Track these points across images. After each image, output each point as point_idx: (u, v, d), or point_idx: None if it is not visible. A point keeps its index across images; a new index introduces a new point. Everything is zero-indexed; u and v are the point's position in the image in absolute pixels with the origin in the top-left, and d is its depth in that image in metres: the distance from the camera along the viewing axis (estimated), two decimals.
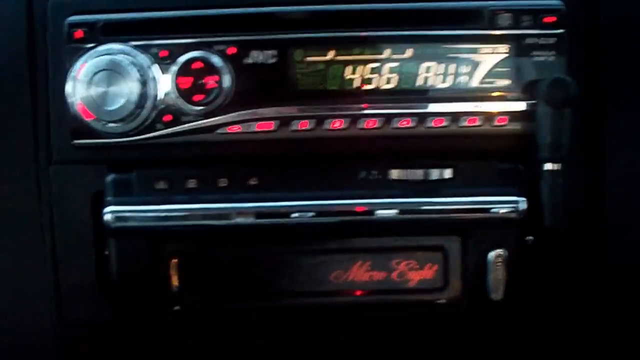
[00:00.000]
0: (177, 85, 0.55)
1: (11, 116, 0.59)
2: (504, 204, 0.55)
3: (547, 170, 0.54)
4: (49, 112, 0.58)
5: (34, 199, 0.59)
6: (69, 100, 0.56)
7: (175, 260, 0.57)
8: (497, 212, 0.55)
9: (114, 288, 0.57)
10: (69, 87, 0.55)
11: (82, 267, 0.59)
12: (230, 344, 0.59)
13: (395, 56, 0.56)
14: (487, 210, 0.55)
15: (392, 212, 0.55)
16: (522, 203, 0.55)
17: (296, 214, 0.55)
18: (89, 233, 0.58)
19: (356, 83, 0.56)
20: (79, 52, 0.56)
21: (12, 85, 0.58)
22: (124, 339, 0.61)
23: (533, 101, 0.56)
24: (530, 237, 0.57)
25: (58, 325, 0.60)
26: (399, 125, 0.56)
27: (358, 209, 0.55)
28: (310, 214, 0.55)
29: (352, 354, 0.53)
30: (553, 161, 0.54)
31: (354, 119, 0.56)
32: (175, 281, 0.57)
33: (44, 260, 0.60)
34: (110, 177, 0.57)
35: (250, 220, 0.55)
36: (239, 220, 0.55)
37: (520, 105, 0.56)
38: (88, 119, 0.56)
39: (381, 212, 0.55)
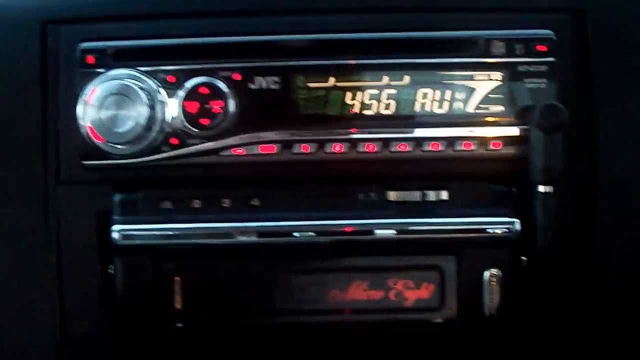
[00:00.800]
0: (184, 109, 0.58)
1: (22, 138, 0.61)
2: (499, 225, 0.57)
3: (540, 192, 0.57)
4: (58, 135, 0.60)
5: (42, 218, 0.61)
6: (80, 122, 0.58)
7: (178, 278, 0.58)
8: (492, 233, 0.57)
9: (118, 305, 0.59)
10: (79, 110, 0.58)
11: (86, 284, 0.61)
12: None
13: (393, 83, 0.59)
14: (482, 231, 0.57)
15: (390, 232, 0.57)
16: (516, 224, 0.57)
17: (297, 234, 0.56)
18: (94, 251, 0.60)
19: (355, 108, 0.59)
20: (91, 76, 0.58)
21: (24, 108, 0.61)
22: (126, 356, 0.62)
23: (526, 126, 0.58)
24: (524, 258, 0.59)
25: (61, 342, 0.61)
26: (396, 149, 0.58)
27: (357, 229, 0.57)
28: (311, 233, 0.56)
29: None
30: (545, 184, 0.56)
31: (353, 143, 0.58)
32: (178, 298, 0.59)
33: (49, 277, 0.61)
34: (117, 197, 0.59)
35: (252, 238, 0.57)
36: (241, 238, 0.57)
37: (514, 130, 0.58)
38: (97, 141, 0.58)
39: (380, 232, 0.57)
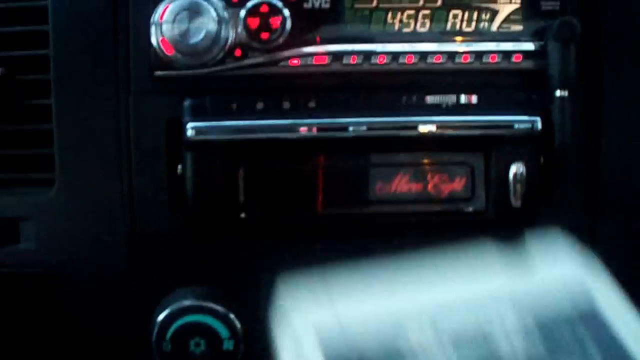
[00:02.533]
0: (246, 25, 0.65)
1: (96, 53, 0.68)
2: (524, 122, 0.66)
3: (558, 97, 0.66)
4: (128, 49, 0.67)
5: (113, 126, 0.68)
6: (152, 36, 0.65)
7: (242, 171, 0.65)
8: (518, 128, 0.66)
9: (188, 199, 0.66)
10: (152, 25, 0.65)
11: (155, 185, 0.68)
12: (290, 248, 0.67)
13: (428, 4, 0.67)
14: (510, 127, 0.66)
15: (431, 127, 0.65)
16: (538, 122, 0.66)
17: (351, 128, 0.65)
18: (162, 154, 0.67)
19: (396, 26, 0.67)
20: None
21: (96, 26, 0.68)
22: (191, 249, 0.69)
23: (542, 42, 0.67)
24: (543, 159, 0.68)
25: (131, 238, 0.68)
26: (432, 60, 0.67)
27: (403, 124, 0.65)
28: (363, 127, 0.65)
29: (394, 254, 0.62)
30: (562, 88, 0.66)
31: (395, 55, 0.67)
32: (242, 191, 0.66)
33: (120, 180, 0.68)
34: (188, 102, 0.66)
35: (311, 133, 0.65)
36: (302, 132, 0.64)
37: (532, 46, 0.67)
38: (168, 53, 0.65)
39: (422, 127, 0.65)
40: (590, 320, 0.42)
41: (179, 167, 0.67)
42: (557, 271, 0.44)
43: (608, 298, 0.43)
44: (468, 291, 0.43)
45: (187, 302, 0.67)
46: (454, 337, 0.41)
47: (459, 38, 0.67)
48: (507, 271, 0.44)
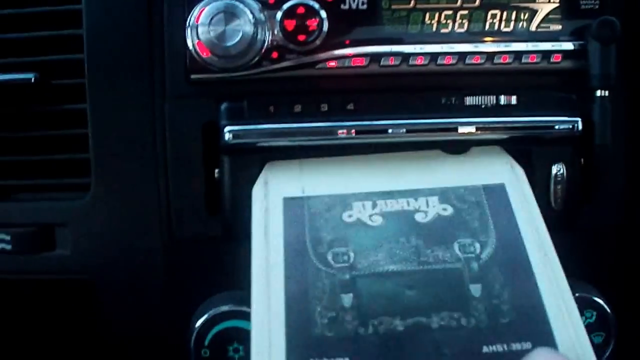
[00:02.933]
0: (283, 27, 0.65)
1: (131, 57, 0.67)
2: (565, 123, 0.65)
3: (598, 97, 0.65)
4: (163, 52, 0.66)
5: (149, 131, 0.67)
6: (188, 39, 0.64)
7: None
8: (559, 129, 0.65)
9: (225, 204, 0.65)
10: (188, 27, 0.64)
11: (192, 189, 0.67)
12: None
13: (466, 5, 0.67)
14: (550, 127, 0.65)
15: (471, 129, 0.65)
16: (579, 123, 0.65)
17: (390, 130, 0.64)
18: (199, 158, 0.66)
19: (434, 27, 0.67)
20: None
21: (131, 30, 0.67)
22: (228, 253, 0.68)
23: (582, 42, 0.66)
24: (583, 159, 0.67)
25: (168, 243, 0.68)
26: (471, 61, 0.66)
27: (443, 126, 0.64)
28: (403, 129, 0.64)
29: None
30: (602, 88, 0.65)
31: (434, 56, 0.66)
32: None
33: (156, 185, 0.67)
34: (224, 105, 0.65)
35: (351, 135, 0.64)
36: (341, 135, 0.64)
37: (571, 45, 0.67)
38: (204, 56, 0.64)
39: (462, 129, 0.64)
40: (493, 193, 0.59)
41: (216, 171, 0.66)
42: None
43: (517, 190, 0.60)
44: (410, 183, 0.61)
45: (225, 308, 0.67)
46: (386, 213, 0.58)
47: (497, 38, 0.67)
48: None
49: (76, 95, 0.68)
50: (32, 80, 0.67)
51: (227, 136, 0.64)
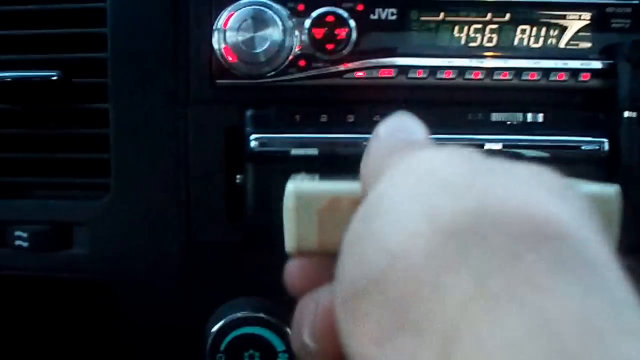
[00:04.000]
0: (311, 35, 0.64)
1: (155, 58, 0.66)
2: (591, 143, 0.65)
3: (626, 117, 0.64)
4: (188, 55, 0.66)
5: (172, 135, 0.66)
6: (214, 44, 0.64)
7: None
8: (585, 149, 0.65)
9: (248, 210, 0.65)
10: (215, 31, 0.63)
11: (213, 193, 0.67)
12: None
13: (495, 19, 0.66)
14: (577, 147, 0.65)
15: (496, 146, 0.64)
16: (606, 143, 0.65)
17: None
18: (221, 163, 0.66)
19: (463, 41, 0.66)
20: (224, 3, 0.64)
21: (155, 31, 0.66)
22: (248, 260, 0.68)
23: (611, 61, 0.66)
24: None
25: (186, 246, 0.67)
26: (499, 77, 0.66)
27: (469, 143, 0.64)
28: None
29: None
30: (631, 109, 0.64)
31: (462, 70, 0.65)
32: None
33: (177, 186, 0.67)
34: (250, 112, 0.65)
35: None
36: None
37: (601, 64, 0.66)
38: (231, 62, 0.64)
39: (487, 145, 0.64)
40: None
41: (238, 176, 0.66)
42: None
43: None
44: None
45: (242, 314, 0.67)
46: None
47: (526, 54, 0.66)
48: None
49: (97, 95, 0.67)
50: (55, 78, 0.65)
51: (253, 144, 0.63)
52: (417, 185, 0.28)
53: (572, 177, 0.63)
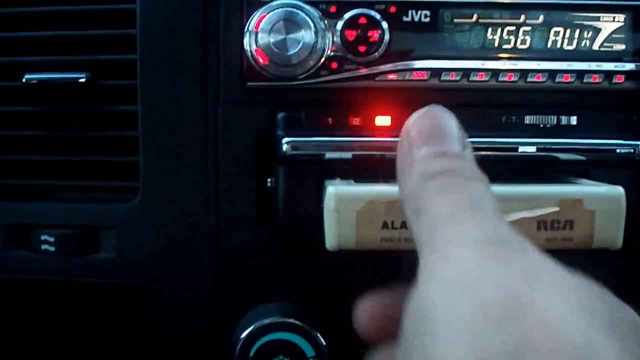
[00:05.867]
0: (343, 37, 0.63)
1: (185, 60, 0.66)
2: (625, 146, 0.64)
3: None
4: (218, 57, 0.65)
5: (202, 136, 0.66)
6: (245, 46, 0.63)
7: None
8: (620, 152, 0.64)
9: (279, 214, 0.64)
10: (246, 33, 0.63)
11: (242, 197, 0.66)
12: (379, 268, 0.65)
13: (529, 21, 0.65)
14: (611, 151, 0.64)
15: (531, 149, 0.63)
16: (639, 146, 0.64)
17: None
18: (251, 166, 0.65)
19: (496, 43, 0.65)
20: (255, 5, 0.63)
21: (186, 32, 0.66)
22: (279, 265, 0.67)
23: None
24: None
25: (215, 251, 0.66)
26: (533, 79, 0.65)
27: (503, 145, 0.63)
28: None
29: None
30: None
31: (495, 73, 0.65)
32: None
33: (207, 192, 0.66)
34: (281, 114, 0.64)
35: None
36: None
37: (635, 66, 0.65)
38: (263, 64, 0.63)
39: (523, 149, 0.63)
40: None
41: (269, 180, 0.65)
42: None
43: None
44: None
45: (271, 319, 0.66)
46: None
47: (560, 56, 0.65)
48: None
49: (125, 97, 0.67)
50: (84, 80, 0.65)
51: (285, 147, 0.62)
52: (459, 306, 0.29)
53: (604, 181, 0.63)
